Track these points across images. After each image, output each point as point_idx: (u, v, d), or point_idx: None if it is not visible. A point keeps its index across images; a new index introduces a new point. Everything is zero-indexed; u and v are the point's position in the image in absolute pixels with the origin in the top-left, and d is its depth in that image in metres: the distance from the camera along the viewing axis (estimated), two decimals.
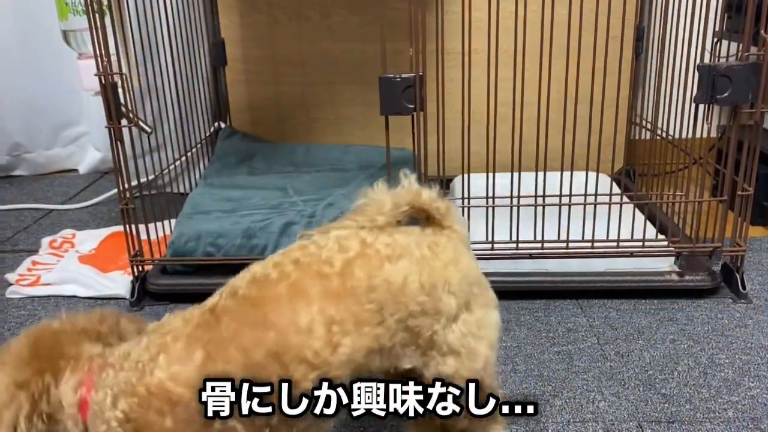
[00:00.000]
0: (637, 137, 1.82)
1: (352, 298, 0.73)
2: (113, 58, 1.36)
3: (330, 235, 0.80)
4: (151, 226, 1.50)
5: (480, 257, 1.39)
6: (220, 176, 1.79)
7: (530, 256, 1.39)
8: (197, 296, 1.43)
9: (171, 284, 1.47)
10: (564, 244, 1.37)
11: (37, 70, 2.27)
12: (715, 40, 1.57)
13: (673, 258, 1.42)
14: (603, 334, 1.28)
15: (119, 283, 1.52)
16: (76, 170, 2.45)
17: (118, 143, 1.38)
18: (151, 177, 1.61)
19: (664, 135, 1.57)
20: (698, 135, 1.33)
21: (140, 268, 1.48)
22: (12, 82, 2.26)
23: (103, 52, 1.31)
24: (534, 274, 1.42)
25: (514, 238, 1.39)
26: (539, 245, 1.38)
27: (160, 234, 1.52)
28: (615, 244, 1.37)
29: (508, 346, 1.26)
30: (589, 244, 1.37)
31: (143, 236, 1.48)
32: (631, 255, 1.37)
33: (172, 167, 1.84)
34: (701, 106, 1.29)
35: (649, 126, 1.67)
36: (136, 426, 0.68)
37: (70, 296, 1.51)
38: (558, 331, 1.30)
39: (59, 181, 2.35)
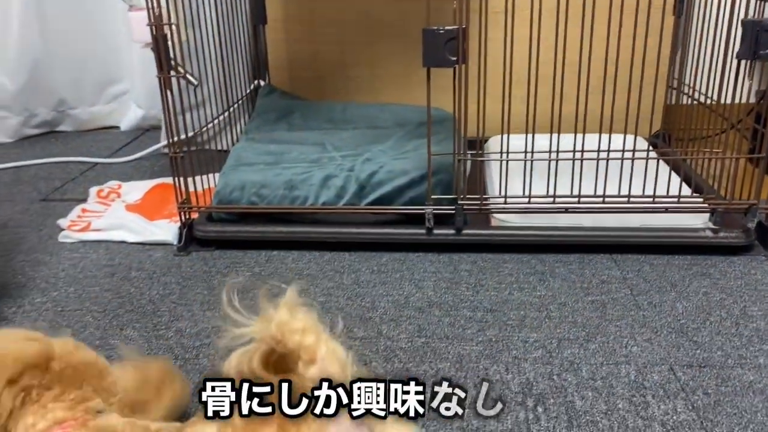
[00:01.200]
0: (674, 102, 1.83)
1: None
2: (164, 11, 1.40)
3: None
4: (196, 179, 1.56)
5: (517, 212, 1.45)
6: (261, 131, 1.84)
7: (566, 211, 1.42)
8: (241, 242, 1.52)
9: (216, 231, 1.53)
10: (600, 199, 1.40)
11: (84, 26, 2.33)
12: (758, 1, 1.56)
13: (707, 215, 1.44)
14: (636, 286, 1.31)
15: (166, 230, 1.59)
16: (117, 127, 2.52)
17: (169, 93, 1.43)
18: (192, 133, 1.67)
19: (702, 100, 1.57)
20: (737, 100, 1.34)
21: (187, 216, 1.54)
22: (60, 37, 2.32)
23: (154, 3, 1.36)
24: (569, 228, 1.45)
25: (551, 193, 1.41)
26: (576, 200, 1.40)
27: (205, 186, 1.58)
28: (650, 199, 1.39)
29: (542, 295, 1.30)
30: (625, 200, 1.39)
31: (189, 187, 1.53)
32: (666, 211, 1.39)
33: (212, 124, 1.89)
34: (741, 67, 1.30)
35: (688, 90, 1.67)
36: None
37: (119, 242, 1.58)
38: (592, 282, 1.33)
39: (102, 136, 2.43)
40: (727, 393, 1.01)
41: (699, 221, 1.44)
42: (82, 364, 0.78)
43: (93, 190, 1.84)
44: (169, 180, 1.87)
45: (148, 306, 1.30)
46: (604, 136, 1.44)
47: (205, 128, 1.74)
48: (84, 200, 1.80)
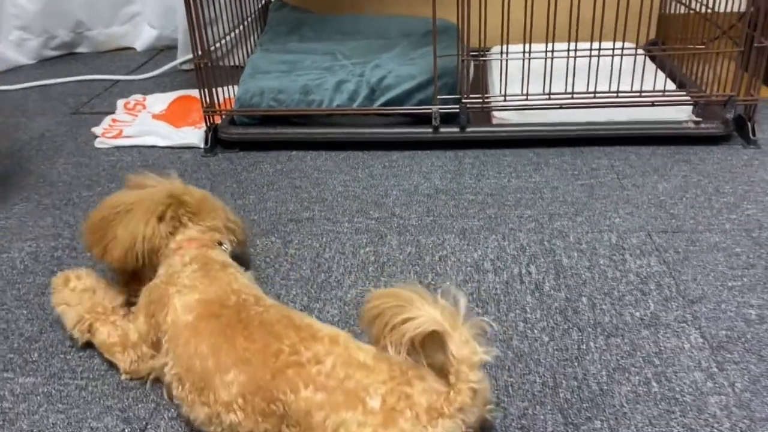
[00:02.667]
0: (669, 11, 1.91)
1: None
2: None
3: None
4: (215, 90, 1.67)
5: (515, 109, 1.58)
6: (275, 43, 1.94)
7: (560, 107, 1.54)
8: (262, 144, 1.66)
9: (239, 133, 1.67)
10: (592, 95, 1.52)
11: None
12: None
13: (690, 110, 1.56)
14: (622, 171, 1.46)
15: (192, 135, 1.72)
16: (133, 48, 2.62)
17: (192, 2, 1.53)
18: (210, 49, 1.77)
19: (695, 8, 1.66)
20: (728, 9, 1.43)
21: (212, 120, 1.67)
22: None
23: None
24: (563, 123, 1.58)
25: (546, 91, 1.53)
26: (569, 96, 1.53)
27: (223, 97, 1.70)
28: (638, 94, 1.51)
29: (537, 181, 1.44)
30: (615, 95, 1.51)
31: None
32: (653, 104, 1.52)
33: (225, 41, 1.99)
34: None
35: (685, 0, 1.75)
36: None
37: (150, 146, 1.72)
38: (582, 170, 1.48)
39: (119, 57, 2.53)
40: (694, 251, 1.16)
41: (682, 115, 1.56)
42: (208, 200, 1.05)
43: (120, 103, 1.96)
44: (190, 92, 2.00)
45: None
46: (597, 43, 1.54)
47: (219, 43, 1.84)
48: (112, 112, 1.93)
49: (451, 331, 0.69)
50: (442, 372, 0.72)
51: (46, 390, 0.93)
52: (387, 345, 0.72)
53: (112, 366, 0.96)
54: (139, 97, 2.01)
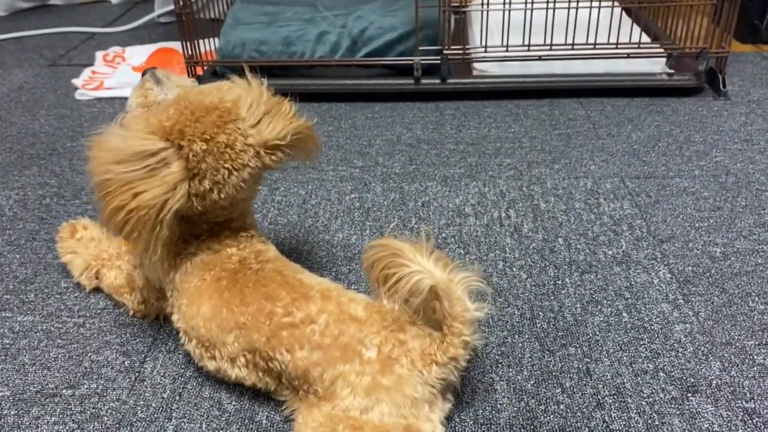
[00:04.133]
0: None
1: None
2: None
3: None
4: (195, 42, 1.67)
5: (496, 60, 1.60)
6: None
7: (539, 58, 1.58)
8: None
9: None
10: (570, 47, 1.55)
11: None
12: None
13: (664, 62, 1.61)
14: (598, 121, 1.50)
15: None
16: (108, 1, 2.57)
17: None
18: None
19: None
20: None
21: (193, 71, 1.67)
22: None
23: None
24: (542, 75, 1.61)
25: (526, 43, 1.56)
26: (548, 48, 1.56)
27: (205, 49, 1.69)
28: (614, 46, 1.55)
29: (516, 131, 1.48)
30: (592, 47, 1.55)
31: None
32: (628, 56, 1.56)
33: None
34: None
35: None
36: None
37: None
38: (560, 120, 1.52)
39: (94, 9, 2.48)
40: (665, 195, 1.22)
41: (657, 67, 1.61)
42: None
43: (99, 55, 1.95)
44: (169, 44, 1.99)
45: None
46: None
47: None
48: (91, 64, 1.91)
49: (446, 289, 0.71)
50: (436, 320, 0.75)
51: (44, 327, 0.96)
52: (382, 295, 0.75)
53: (111, 305, 0.99)
54: (118, 49, 1.99)
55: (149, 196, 0.75)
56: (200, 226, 0.85)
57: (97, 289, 1.02)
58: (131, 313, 0.97)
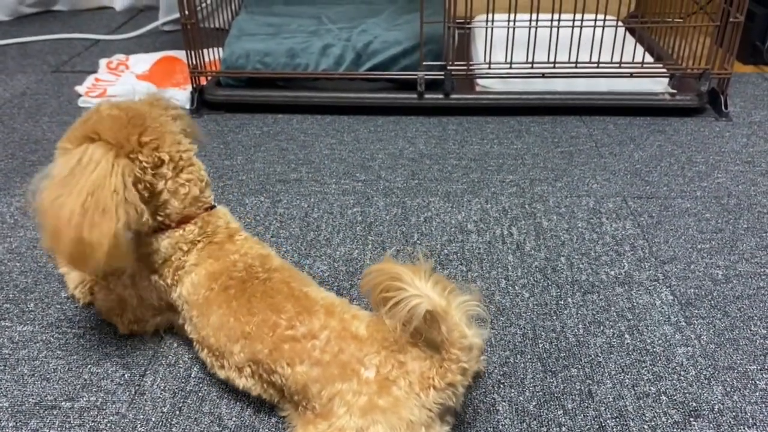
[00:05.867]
0: None
1: None
2: None
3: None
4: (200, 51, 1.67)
5: (499, 76, 1.61)
6: (260, 5, 1.94)
7: (543, 76, 1.58)
8: (248, 106, 1.67)
9: (225, 95, 1.67)
10: (573, 65, 1.56)
11: None
12: None
13: (667, 82, 1.62)
14: (600, 140, 1.51)
15: (176, 96, 1.73)
16: (112, 8, 2.58)
17: None
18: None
19: None
20: None
21: (197, 81, 1.68)
22: None
23: None
24: (545, 92, 1.62)
25: (529, 60, 1.57)
26: (551, 66, 1.56)
27: (209, 59, 1.70)
28: (617, 65, 1.55)
29: (518, 147, 1.49)
30: (595, 65, 1.55)
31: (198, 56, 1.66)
32: (631, 75, 1.57)
33: (208, 2, 1.98)
34: None
35: None
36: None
37: None
38: (562, 137, 1.52)
39: (99, 16, 2.49)
40: (667, 216, 1.23)
41: (659, 87, 1.62)
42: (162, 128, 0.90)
43: (102, 62, 1.95)
44: (173, 53, 1.99)
45: None
46: (579, 16, 1.58)
47: (204, 4, 1.83)
48: (94, 71, 1.92)
49: (443, 314, 0.70)
50: (435, 343, 0.74)
51: (44, 338, 0.95)
52: (383, 316, 0.73)
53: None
54: (121, 56, 1.99)
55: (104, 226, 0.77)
56: (192, 231, 0.86)
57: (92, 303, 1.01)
58: (122, 332, 0.96)
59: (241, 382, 0.81)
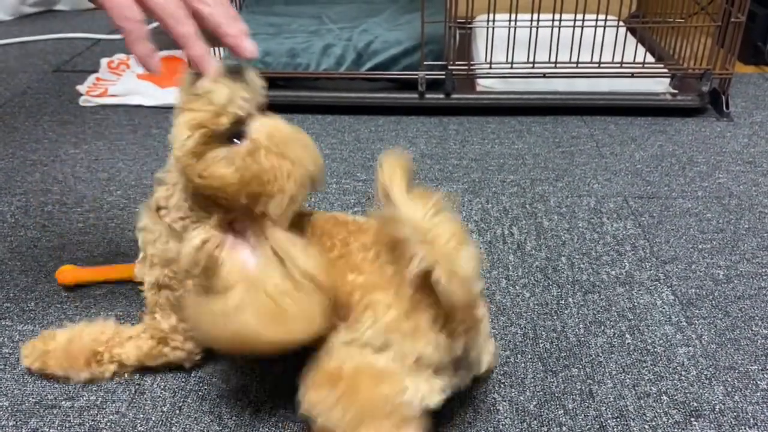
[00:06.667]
0: None
1: None
2: None
3: None
4: None
5: (500, 76, 1.61)
6: (260, 5, 1.94)
7: (544, 76, 1.58)
8: None
9: None
10: (574, 65, 1.56)
11: None
12: None
13: (668, 82, 1.62)
14: (601, 140, 1.51)
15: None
16: None
17: None
18: None
19: None
20: None
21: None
22: None
23: None
24: (546, 92, 1.62)
25: (530, 60, 1.57)
26: (552, 65, 1.56)
27: None
28: (619, 65, 1.55)
29: (519, 148, 1.48)
30: (596, 65, 1.55)
31: None
32: (632, 76, 1.56)
33: None
34: None
35: None
36: None
37: (136, 105, 1.72)
38: (563, 137, 1.52)
39: (100, 15, 2.49)
40: (668, 216, 1.22)
41: (660, 87, 1.61)
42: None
43: (104, 61, 1.95)
44: (174, 52, 1.99)
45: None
46: (580, 16, 1.58)
47: None
48: (95, 71, 1.92)
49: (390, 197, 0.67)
50: None
51: None
52: None
53: (113, 316, 0.99)
54: (122, 56, 1.99)
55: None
56: None
57: (102, 303, 1.01)
58: (186, 364, 0.88)
59: None
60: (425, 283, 0.69)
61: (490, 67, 1.59)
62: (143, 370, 0.88)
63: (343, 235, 0.77)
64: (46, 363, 0.87)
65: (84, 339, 0.87)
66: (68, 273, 1.04)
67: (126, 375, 0.88)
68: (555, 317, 0.98)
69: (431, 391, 0.71)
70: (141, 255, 0.84)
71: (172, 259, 0.79)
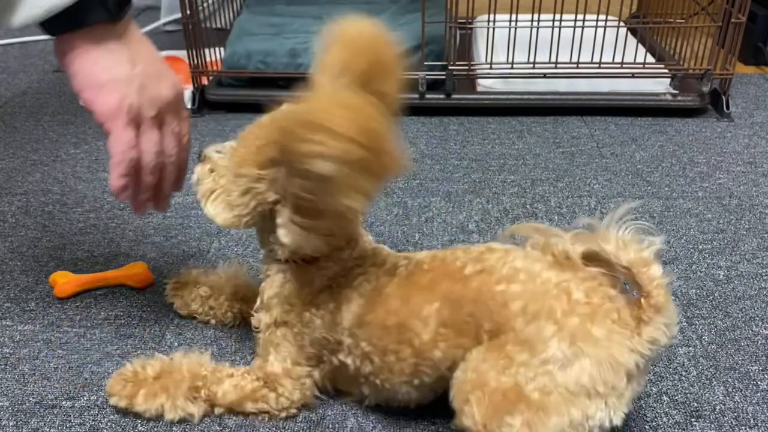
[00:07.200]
0: None
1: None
2: None
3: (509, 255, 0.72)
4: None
5: (501, 77, 1.61)
6: (262, 5, 1.94)
7: (544, 76, 1.58)
8: (250, 106, 1.67)
9: (227, 94, 1.68)
10: (575, 65, 1.56)
11: None
12: None
13: (668, 82, 1.62)
14: (602, 140, 1.51)
15: None
16: None
17: None
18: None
19: None
20: None
21: (199, 81, 1.68)
22: None
23: None
24: (546, 93, 1.62)
25: (531, 60, 1.57)
26: (553, 65, 1.56)
27: (210, 59, 1.70)
28: (619, 65, 1.55)
29: (520, 148, 1.48)
30: (597, 65, 1.55)
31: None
32: (633, 76, 1.57)
33: (209, 2, 1.98)
34: None
35: None
36: None
37: None
38: (564, 138, 1.52)
39: None
40: (669, 216, 1.22)
41: (660, 87, 1.62)
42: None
43: None
44: (174, 53, 1.99)
45: None
46: (581, 16, 1.58)
47: (205, 4, 1.83)
48: None
49: (604, 245, 0.65)
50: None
51: (45, 337, 0.95)
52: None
53: (113, 315, 0.99)
54: None
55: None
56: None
57: (102, 303, 1.01)
58: (282, 414, 0.82)
59: (434, 354, 0.71)
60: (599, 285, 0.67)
61: (491, 68, 1.59)
62: (230, 413, 0.82)
63: (472, 255, 0.73)
64: (134, 397, 0.81)
65: (183, 370, 0.81)
66: (63, 286, 1.03)
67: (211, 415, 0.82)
68: None
69: (620, 406, 0.65)
70: (258, 303, 0.83)
71: (289, 296, 0.79)
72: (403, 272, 0.76)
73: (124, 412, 0.83)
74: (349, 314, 0.76)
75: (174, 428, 0.81)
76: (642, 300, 0.65)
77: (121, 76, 0.71)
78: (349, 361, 0.77)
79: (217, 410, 0.82)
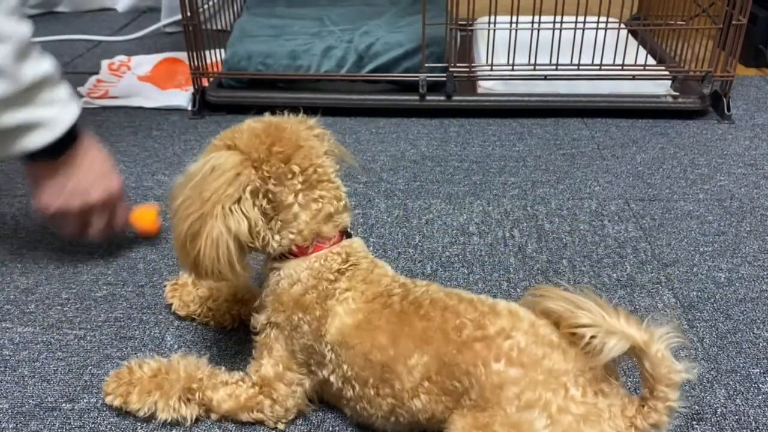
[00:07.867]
0: None
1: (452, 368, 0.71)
2: None
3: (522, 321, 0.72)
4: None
5: (501, 78, 1.61)
6: (262, 7, 1.94)
7: (545, 78, 1.58)
8: (250, 108, 1.66)
9: (227, 96, 1.67)
10: (575, 67, 1.56)
11: None
12: None
13: (669, 84, 1.61)
14: (602, 142, 1.51)
15: (178, 97, 1.73)
16: (114, 9, 2.58)
17: None
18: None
19: None
20: None
21: (199, 82, 1.67)
22: None
23: None
24: (547, 95, 1.62)
25: (532, 62, 1.57)
26: (554, 67, 1.56)
27: (211, 60, 1.69)
28: (620, 67, 1.55)
29: (520, 150, 1.48)
30: (597, 67, 1.55)
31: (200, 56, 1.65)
32: (633, 78, 1.56)
33: (210, 4, 1.98)
34: None
35: None
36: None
37: (137, 107, 1.72)
38: (564, 140, 1.52)
39: (101, 17, 2.49)
40: (669, 218, 1.22)
41: (661, 89, 1.61)
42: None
43: (104, 63, 1.95)
44: (175, 54, 2.00)
45: (173, 158, 1.46)
46: (581, 18, 1.58)
47: (205, 5, 1.83)
48: (96, 73, 1.92)
49: (645, 348, 0.65)
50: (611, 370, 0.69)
51: (45, 339, 0.95)
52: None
53: (113, 318, 0.99)
54: (123, 58, 1.99)
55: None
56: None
57: (102, 305, 1.01)
58: (279, 425, 0.82)
59: (413, 403, 0.72)
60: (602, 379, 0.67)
61: (491, 69, 1.59)
62: (226, 420, 0.82)
63: (473, 315, 0.72)
64: (128, 395, 0.82)
65: (179, 371, 0.82)
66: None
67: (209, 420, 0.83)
68: None
69: None
70: (257, 302, 0.85)
71: (280, 294, 0.80)
72: (396, 305, 0.76)
73: (122, 413, 0.82)
74: (332, 328, 0.76)
75: (174, 430, 0.81)
76: (645, 408, 0.67)
77: (55, 190, 1.01)
78: (332, 379, 0.78)
79: (213, 416, 0.82)
